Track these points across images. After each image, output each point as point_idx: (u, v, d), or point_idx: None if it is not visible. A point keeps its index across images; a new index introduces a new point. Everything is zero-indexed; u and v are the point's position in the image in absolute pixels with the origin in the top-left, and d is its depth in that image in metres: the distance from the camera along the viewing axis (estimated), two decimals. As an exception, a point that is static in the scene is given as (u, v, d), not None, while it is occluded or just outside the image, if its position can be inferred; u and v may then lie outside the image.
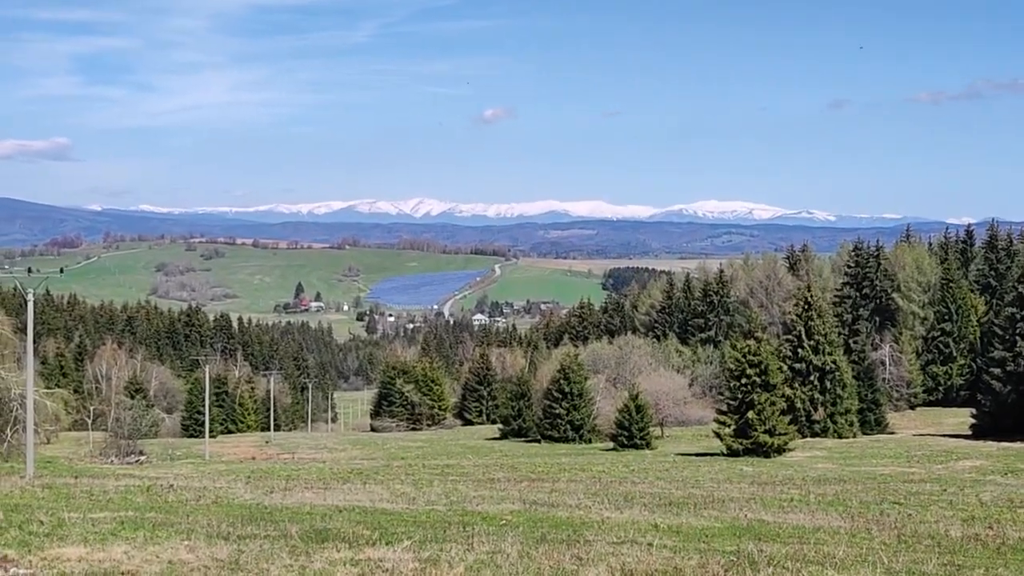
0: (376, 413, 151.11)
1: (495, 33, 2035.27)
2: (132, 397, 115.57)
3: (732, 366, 70.60)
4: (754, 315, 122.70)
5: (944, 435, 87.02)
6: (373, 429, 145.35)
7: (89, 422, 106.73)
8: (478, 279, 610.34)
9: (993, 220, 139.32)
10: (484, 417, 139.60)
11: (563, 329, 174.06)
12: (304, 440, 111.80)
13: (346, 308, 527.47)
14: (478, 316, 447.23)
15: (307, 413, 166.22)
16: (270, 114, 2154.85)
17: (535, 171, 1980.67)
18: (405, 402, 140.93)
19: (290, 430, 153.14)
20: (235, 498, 31.49)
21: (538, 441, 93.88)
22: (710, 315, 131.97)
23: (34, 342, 48.02)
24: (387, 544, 18.78)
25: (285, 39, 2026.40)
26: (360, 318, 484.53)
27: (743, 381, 67.54)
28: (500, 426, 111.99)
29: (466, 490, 36.60)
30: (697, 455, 69.93)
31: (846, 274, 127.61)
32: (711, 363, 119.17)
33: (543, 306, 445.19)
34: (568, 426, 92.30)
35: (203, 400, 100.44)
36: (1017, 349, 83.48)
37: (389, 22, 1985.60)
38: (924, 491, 38.40)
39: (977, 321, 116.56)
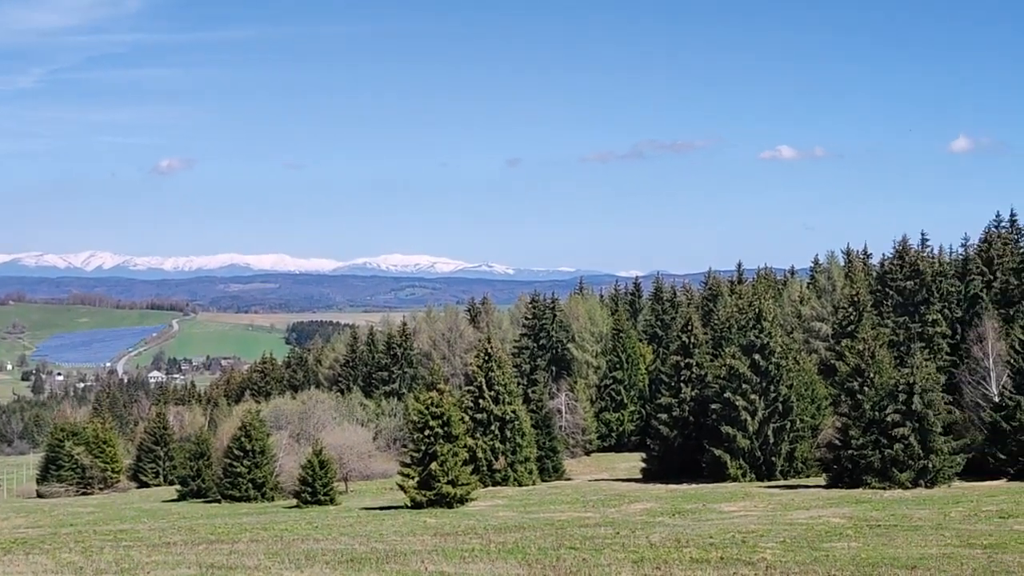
0: (43, 478, 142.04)
1: (171, 83, 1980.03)
2: None
3: (415, 418, 70.99)
4: (436, 367, 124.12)
5: (617, 479, 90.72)
6: (39, 495, 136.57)
7: None
8: (154, 335, 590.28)
9: (658, 274, 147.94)
10: (161, 479, 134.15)
11: (245, 385, 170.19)
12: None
13: (10, 367, 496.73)
14: (155, 373, 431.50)
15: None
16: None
17: (215, 223, 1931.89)
18: (75, 465, 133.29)
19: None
20: None
21: (218, 501, 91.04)
22: (394, 368, 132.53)
23: None
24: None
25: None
26: (26, 377, 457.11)
27: (426, 433, 68.00)
28: (178, 487, 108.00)
29: (139, 556, 34.94)
30: (382, 508, 69.78)
31: (524, 325, 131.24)
32: (395, 416, 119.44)
33: (224, 362, 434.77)
34: (250, 484, 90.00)
35: None
36: (682, 395, 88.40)
37: (57, 68, 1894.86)
38: (599, 535, 39.77)
39: (646, 369, 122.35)
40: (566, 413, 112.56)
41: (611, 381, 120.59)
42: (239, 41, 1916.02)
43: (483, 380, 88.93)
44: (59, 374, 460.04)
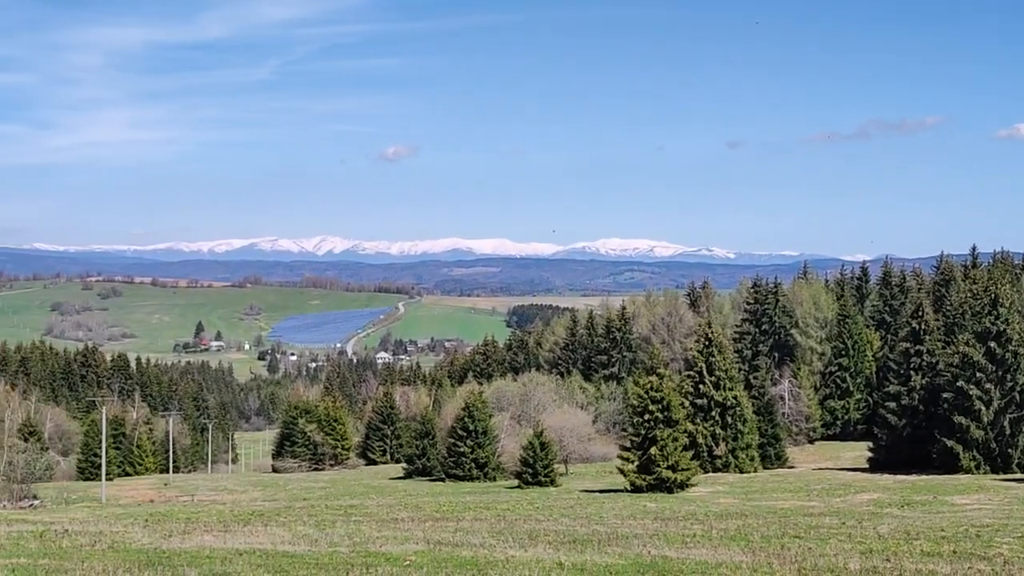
0: (278, 453, 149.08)
1: (398, 72, 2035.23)
2: (26, 440, 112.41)
3: (635, 402, 71.02)
4: (656, 351, 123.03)
5: (842, 469, 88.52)
6: (275, 470, 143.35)
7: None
8: (382, 317, 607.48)
9: (887, 257, 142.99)
10: (388, 456, 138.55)
11: (467, 367, 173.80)
12: (204, 482, 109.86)
13: (247, 347, 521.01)
14: (382, 354, 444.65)
15: (207, 454, 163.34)
16: (170, 152, 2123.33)
17: (438, 209, 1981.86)
18: (307, 442, 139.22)
19: (189, 472, 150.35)
20: (132, 543, 30.76)
21: (442, 480, 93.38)
22: (613, 352, 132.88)
23: (-78, 384, 46.57)
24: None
25: (186, 76, 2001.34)
26: (262, 357, 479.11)
27: (646, 417, 68.00)
28: (404, 465, 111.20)
29: (369, 531, 36.19)
30: (601, 491, 70.10)
31: (746, 310, 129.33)
32: (614, 399, 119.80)
33: (447, 344, 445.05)
34: (472, 464, 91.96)
35: (100, 442, 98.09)
36: (911, 384, 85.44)
37: (291, 59, 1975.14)
38: (823, 524, 38.93)
39: (872, 356, 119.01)
40: (789, 400, 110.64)
41: (836, 368, 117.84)
42: (462, 29, 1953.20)
43: (703, 365, 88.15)
44: (292, 354, 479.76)
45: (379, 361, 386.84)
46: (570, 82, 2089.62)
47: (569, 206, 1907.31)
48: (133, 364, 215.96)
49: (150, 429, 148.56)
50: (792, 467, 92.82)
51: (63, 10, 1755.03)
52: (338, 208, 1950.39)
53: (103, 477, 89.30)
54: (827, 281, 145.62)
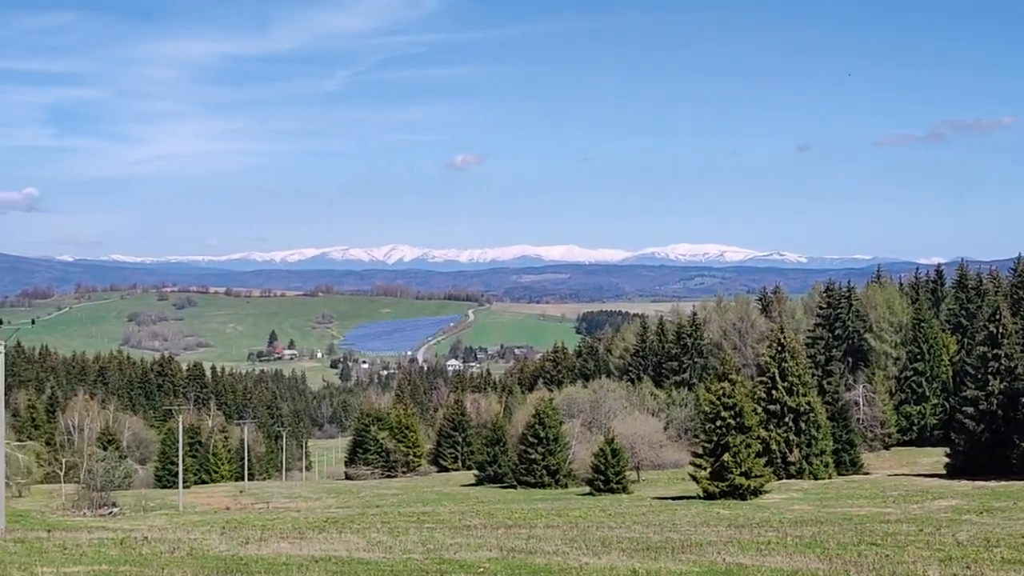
0: (351, 461, 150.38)
1: (466, 80, 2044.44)
2: (105, 448, 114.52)
3: (707, 409, 70.69)
4: (728, 357, 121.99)
5: (919, 475, 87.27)
6: (348, 477, 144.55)
7: (61, 474, 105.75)
8: (452, 325, 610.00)
9: (963, 260, 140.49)
10: (459, 463, 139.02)
11: (537, 374, 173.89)
12: (278, 489, 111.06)
13: (320, 355, 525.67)
14: (452, 362, 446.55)
15: (281, 462, 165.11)
16: (242, 163, 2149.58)
17: (507, 216, 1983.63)
18: (380, 449, 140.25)
19: (264, 479, 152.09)
20: (210, 549, 31.20)
21: (514, 487, 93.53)
22: (684, 358, 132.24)
23: (5, 394, 47.60)
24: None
25: (257, 88, 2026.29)
26: (334, 365, 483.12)
27: (718, 423, 67.65)
28: (475, 472, 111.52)
29: (443, 538, 36.39)
30: (673, 498, 69.83)
31: (818, 315, 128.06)
32: (686, 406, 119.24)
33: (517, 351, 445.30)
34: (544, 471, 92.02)
35: (176, 450, 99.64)
36: (989, 388, 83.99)
37: (360, 70, 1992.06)
38: (901, 532, 38.46)
39: (949, 360, 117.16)
40: (863, 405, 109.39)
41: (912, 373, 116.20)
42: (528, 36, 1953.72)
43: (776, 371, 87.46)
44: (364, 362, 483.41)
45: (449, 368, 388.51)
46: (638, 87, 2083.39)
47: (638, 212, 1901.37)
48: (208, 373, 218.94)
49: (225, 437, 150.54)
50: (867, 473, 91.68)
51: (138, 25, 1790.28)
52: (408, 217, 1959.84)
53: (180, 485, 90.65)
54: (901, 285, 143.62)
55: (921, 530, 39.10)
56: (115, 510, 75.31)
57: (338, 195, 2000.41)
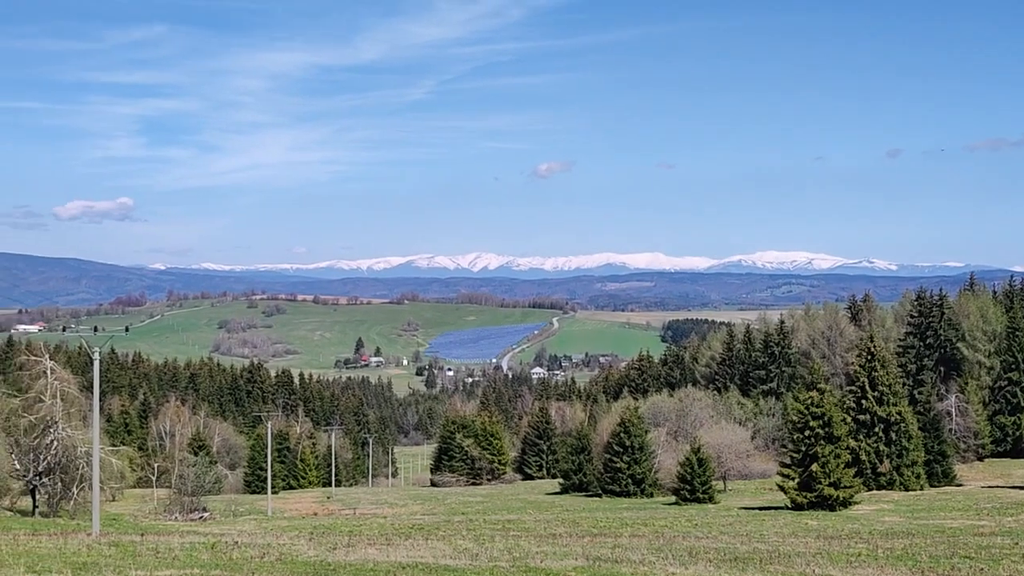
0: (436, 468, 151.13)
1: (550, 89, 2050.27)
2: (195, 454, 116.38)
3: (795, 418, 69.88)
4: (816, 366, 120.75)
5: (1014, 487, 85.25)
6: (433, 484, 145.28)
7: (153, 479, 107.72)
8: (536, 332, 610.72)
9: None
10: (544, 471, 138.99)
11: (622, 382, 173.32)
12: (365, 495, 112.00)
13: (405, 363, 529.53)
14: (536, 369, 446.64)
15: (368, 468, 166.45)
16: (330, 172, 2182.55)
17: (591, 224, 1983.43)
18: (465, 457, 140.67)
19: (351, 485, 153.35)
20: (299, 555, 31.59)
21: (599, 495, 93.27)
22: (771, 366, 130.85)
23: (100, 400, 48.65)
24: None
25: (344, 98, 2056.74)
26: (419, 372, 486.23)
27: (806, 433, 66.82)
28: (560, 480, 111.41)
29: (528, 546, 36.42)
30: (761, 509, 69.12)
31: (909, 324, 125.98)
32: (773, 415, 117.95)
33: (602, 359, 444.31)
34: (629, 480, 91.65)
35: (265, 456, 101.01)
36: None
37: (446, 79, 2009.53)
38: (995, 545, 37.66)
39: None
40: (956, 415, 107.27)
41: (1006, 382, 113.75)
42: (613, 45, 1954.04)
43: (866, 380, 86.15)
44: (449, 369, 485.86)
45: (534, 376, 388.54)
46: (724, 93, 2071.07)
47: (724, 219, 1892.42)
48: (296, 380, 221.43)
49: (313, 443, 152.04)
50: (960, 485, 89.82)
51: (227, 37, 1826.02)
52: (493, 225, 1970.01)
53: (269, 490, 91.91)
54: (995, 292, 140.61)
55: (1016, 543, 38.24)
56: (205, 514, 76.56)
57: (423, 204, 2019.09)
